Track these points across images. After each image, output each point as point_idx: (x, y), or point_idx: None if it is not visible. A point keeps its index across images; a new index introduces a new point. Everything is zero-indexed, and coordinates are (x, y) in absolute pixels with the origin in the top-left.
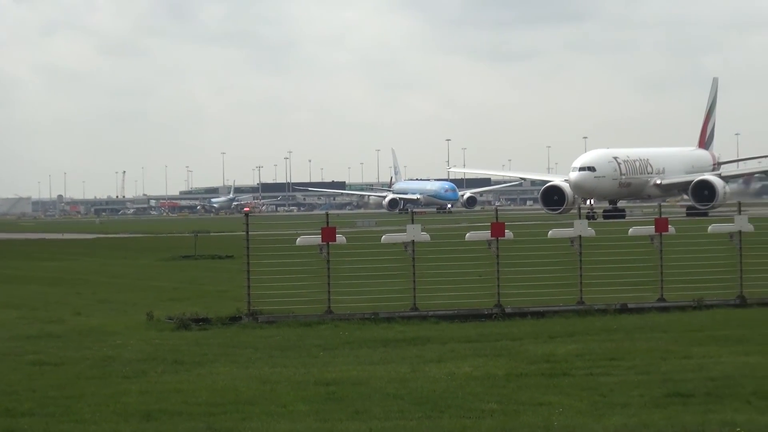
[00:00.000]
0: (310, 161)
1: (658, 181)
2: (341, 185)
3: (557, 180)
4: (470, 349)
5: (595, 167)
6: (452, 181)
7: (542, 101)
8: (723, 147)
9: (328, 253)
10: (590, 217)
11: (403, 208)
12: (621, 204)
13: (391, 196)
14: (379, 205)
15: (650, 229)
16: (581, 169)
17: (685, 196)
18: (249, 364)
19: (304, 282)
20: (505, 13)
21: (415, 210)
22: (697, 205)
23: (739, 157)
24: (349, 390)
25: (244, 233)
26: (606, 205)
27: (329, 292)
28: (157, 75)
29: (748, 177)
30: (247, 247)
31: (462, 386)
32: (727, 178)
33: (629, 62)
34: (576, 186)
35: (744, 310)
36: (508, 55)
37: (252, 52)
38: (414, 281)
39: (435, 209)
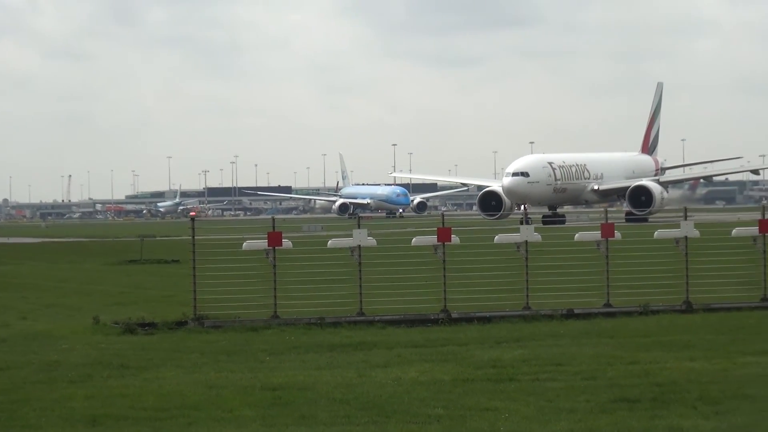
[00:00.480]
0: (256, 166)
1: (596, 187)
2: (287, 189)
3: (495, 185)
4: (417, 354)
5: (529, 172)
6: (399, 186)
7: (489, 106)
8: (669, 152)
9: (274, 258)
10: (524, 223)
11: (353, 213)
12: (568, 209)
13: (341, 200)
14: (327, 210)
15: (597, 235)
16: (514, 174)
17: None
18: (195, 369)
19: (251, 287)
20: (450, 19)
21: (363, 215)
22: (634, 211)
23: (685, 163)
24: (295, 395)
25: (190, 237)
26: (546, 210)
27: (275, 296)
28: (103, 79)
29: (694, 182)
30: (193, 252)
31: (408, 391)
32: (667, 184)
33: (575, 68)
34: (509, 191)
35: (690, 315)
36: (453, 61)
37: (198, 57)
38: (360, 286)
39: (385, 214)
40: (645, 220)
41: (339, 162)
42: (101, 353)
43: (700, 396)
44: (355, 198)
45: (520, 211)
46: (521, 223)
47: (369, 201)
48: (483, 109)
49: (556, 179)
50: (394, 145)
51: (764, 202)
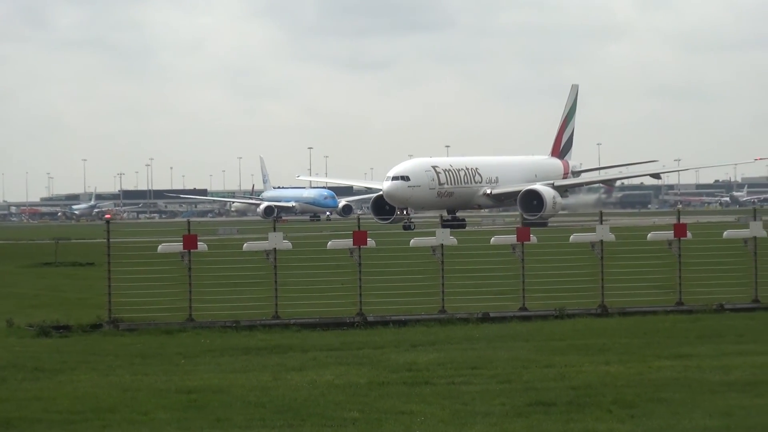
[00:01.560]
0: (171, 168)
1: (488, 191)
2: (203, 192)
3: (535, 186)
4: (332, 357)
5: (409, 176)
6: (327, 189)
7: (404, 110)
8: (585, 156)
9: (189, 261)
10: (406, 227)
11: (277, 216)
12: (486, 213)
13: (265, 203)
14: (243, 213)
15: (512, 239)
16: (394, 178)
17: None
18: (110, 372)
19: (166, 289)
20: (362, 22)
21: (282, 218)
22: (525, 215)
23: (600, 166)
24: (210, 398)
25: (106, 240)
26: (431, 213)
27: (191, 299)
28: (14, 81)
29: (609, 187)
30: (108, 254)
31: (324, 394)
32: (564, 188)
33: (488, 71)
34: (388, 195)
35: (605, 319)
36: (367, 64)
37: (109, 59)
38: (276, 289)
39: (309, 217)
40: (544, 224)
41: (259, 165)
42: (15, 356)
43: (616, 399)
44: (279, 201)
45: (404, 215)
46: (404, 228)
47: (294, 204)
48: (398, 112)
49: (440, 183)
50: (310, 148)
51: (679, 206)
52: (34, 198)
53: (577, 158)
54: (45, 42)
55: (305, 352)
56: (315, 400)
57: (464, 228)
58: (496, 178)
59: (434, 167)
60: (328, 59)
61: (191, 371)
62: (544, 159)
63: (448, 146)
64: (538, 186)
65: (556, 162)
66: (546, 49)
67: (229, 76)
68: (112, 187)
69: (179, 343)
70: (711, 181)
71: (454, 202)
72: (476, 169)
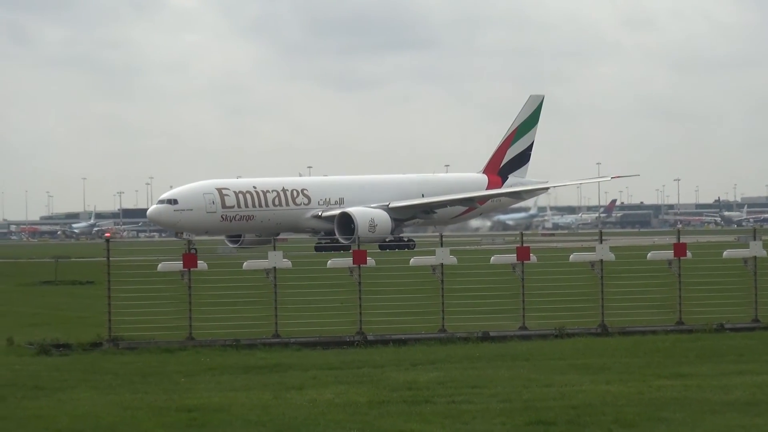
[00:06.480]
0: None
1: (319, 213)
2: None
3: (350, 208)
4: (332, 376)
5: (178, 200)
6: None
7: (396, 129)
8: (586, 175)
9: (189, 280)
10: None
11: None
12: (484, 232)
13: None
14: None
15: (513, 258)
16: (160, 201)
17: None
18: (110, 390)
19: (166, 308)
20: (346, 41)
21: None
22: (340, 239)
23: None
24: (210, 416)
25: (106, 259)
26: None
27: (191, 318)
28: (2, 99)
29: (610, 206)
30: (108, 273)
31: (324, 413)
32: (397, 210)
33: (474, 90)
34: (150, 219)
35: (605, 338)
36: (355, 83)
37: (96, 77)
38: (276, 308)
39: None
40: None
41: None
42: (15, 374)
43: (616, 419)
44: None
45: (184, 238)
46: (187, 251)
47: None
48: (390, 131)
49: (225, 206)
50: (310, 167)
51: (679, 225)
52: (34, 216)
53: (541, 174)
54: (29, 59)
55: (305, 370)
56: (315, 419)
57: (411, 248)
58: (340, 199)
59: (220, 189)
60: (316, 78)
61: (191, 390)
62: (454, 176)
63: (447, 165)
64: (351, 209)
65: (477, 179)
66: (531, 68)
67: (217, 95)
68: (112, 206)
69: (179, 361)
70: (711, 200)
71: (262, 225)
72: (302, 190)
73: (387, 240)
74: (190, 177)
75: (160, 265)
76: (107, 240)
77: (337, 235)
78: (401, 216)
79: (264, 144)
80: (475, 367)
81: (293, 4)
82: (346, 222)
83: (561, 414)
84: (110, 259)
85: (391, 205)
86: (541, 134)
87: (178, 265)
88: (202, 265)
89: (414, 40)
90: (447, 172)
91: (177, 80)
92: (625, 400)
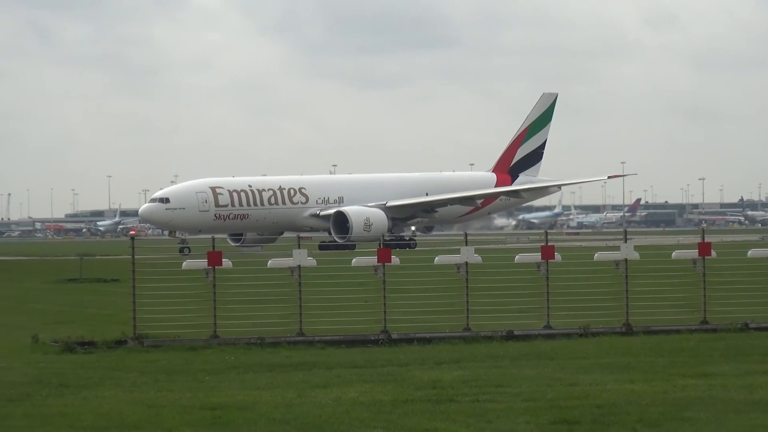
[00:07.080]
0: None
1: (318, 212)
2: None
3: (345, 207)
4: (356, 374)
5: (170, 199)
6: None
7: (419, 128)
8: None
9: (214, 278)
10: (182, 250)
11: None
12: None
13: None
14: None
15: (537, 257)
16: (152, 200)
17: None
18: (134, 388)
19: (190, 306)
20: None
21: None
22: (335, 238)
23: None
24: (234, 414)
25: (130, 256)
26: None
27: (215, 316)
28: (26, 98)
29: (634, 205)
30: (133, 271)
31: (348, 411)
32: (395, 209)
33: (496, 88)
34: (142, 218)
35: (630, 337)
36: (378, 82)
37: (120, 75)
38: (300, 306)
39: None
40: (350, 247)
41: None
42: (40, 372)
43: (640, 418)
44: None
45: (176, 238)
46: (180, 252)
47: None
48: (414, 129)
49: (218, 205)
50: (334, 165)
51: (703, 225)
52: (59, 214)
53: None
54: (53, 58)
55: (330, 369)
56: (339, 418)
57: (413, 248)
58: (340, 197)
59: (214, 188)
60: (339, 76)
61: (216, 388)
62: (460, 175)
63: (472, 164)
64: (346, 208)
65: (484, 177)
66: (555, 67)
67: (241, 93)
68: (137, 204)
69: (204, 359)
70: (735, 199)
71: (258, 224)
72: (300, 189)
73: (386, 238)
74: (214, 175)
75: (184, 263)
76: (132, 238)
77: (333, 234)
78: (400, 215)
79: (288, 142)
80: (500, 366)
81: (316, 2)
82: (341, 221)
83: (585, 413)
84: (135, 256)
85: (388, 204)
86: (562, 133)
87: (202, 263)
88: (226, 263)
89: (437, 38)
90: (472, 170)
91: (201, 79)
92: (649, 399)
